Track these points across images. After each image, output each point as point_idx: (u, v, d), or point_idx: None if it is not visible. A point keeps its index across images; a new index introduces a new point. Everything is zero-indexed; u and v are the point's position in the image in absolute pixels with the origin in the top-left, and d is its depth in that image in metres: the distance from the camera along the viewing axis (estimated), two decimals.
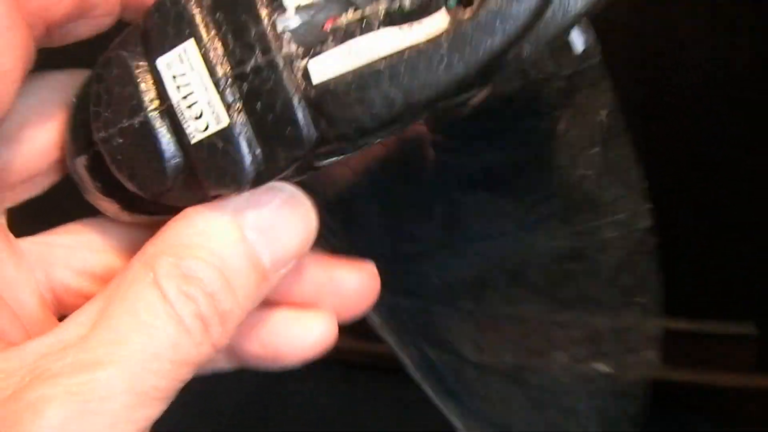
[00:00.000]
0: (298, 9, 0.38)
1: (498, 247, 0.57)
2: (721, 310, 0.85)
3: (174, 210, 0.39)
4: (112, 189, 0.41)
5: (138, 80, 0.37)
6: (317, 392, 0.89)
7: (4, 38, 0.35)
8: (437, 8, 0.37)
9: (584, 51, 0.41)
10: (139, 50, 0.38)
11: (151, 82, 0.37)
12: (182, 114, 0.36)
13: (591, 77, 0.51)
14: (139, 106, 0.37)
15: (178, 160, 0.37)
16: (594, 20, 0.41)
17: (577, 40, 0.40)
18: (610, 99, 0.52)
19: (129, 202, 0.41)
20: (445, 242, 0.57)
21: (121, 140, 0.37)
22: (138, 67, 0.37)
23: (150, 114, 0.37)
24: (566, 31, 0.36)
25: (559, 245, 0.55)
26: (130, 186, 0.38)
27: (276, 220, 0.38)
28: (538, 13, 0.35)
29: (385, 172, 0.52)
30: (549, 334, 0.57)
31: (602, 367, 0.58)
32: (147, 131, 0.37)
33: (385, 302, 0.54)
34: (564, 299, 0.57)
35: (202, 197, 0.38)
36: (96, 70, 0.38)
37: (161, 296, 0.34)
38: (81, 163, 0.41)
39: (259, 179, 0.37)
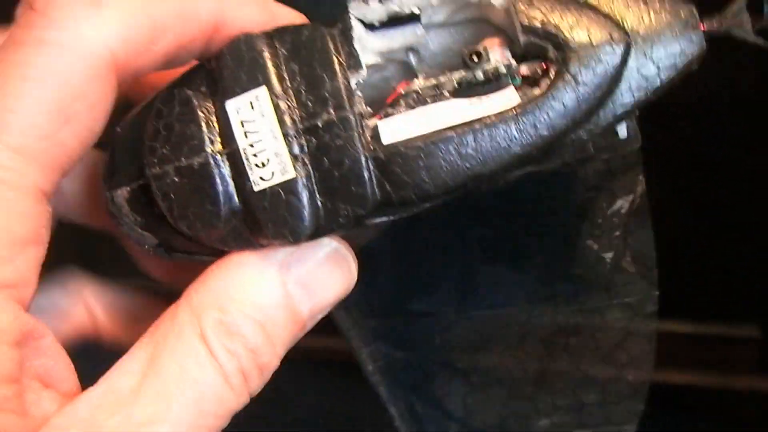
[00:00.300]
0: (372, 68, 0.39)
1: (504, 316, 0.58)
2: (723, 312, 0.84)
3: (215, 252, 0.39)
4: (153, 224, 0.40)
5: (202, 120, 0.37)
6: (313, 391, 0.89)
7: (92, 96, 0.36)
8: (506, 84, 0.38)
9: (627, 137, 0.42)
10: (204, 90, 0.37)
11: (216, 123, 0.37)
12: (247, 160, 0.36)
13: (629, 162, 0.53)
14: (200, 147, 0.36)
15: (234, 205, 0.37)
16: None
17: (622, 126, 0.41)
18: (641, 185, 0.53)
19: (169, 239, 0.41)
20: (455, 305, 0.58)
21: (176, 178, 0.37)
22: (202, 106, 0.37)
23: (212, 155, 0.36)
24: (621, 119, 0.39)
25: (562, 321, 0.57)
26: (179, 225, 0.38)
27: (319, 275, 0.39)
28: (601, 101, 0.37)
29: (410, 229, 0.52)
30: (536, 401, 0.59)
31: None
32: (206, 172, 0.37)
33: (382, 353, 0.57)
34: (557, 371, 0.58)
35: (249, 244, 0.37)
36: (156, 104, 0.38)
37: (208, 352, 0.35)
38: (122, 195, 0.40)
39: (316, 233, 0.37)
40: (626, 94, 0.38)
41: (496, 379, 0.58)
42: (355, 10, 0.38)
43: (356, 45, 0.37)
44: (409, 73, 0.42)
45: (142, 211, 0.40)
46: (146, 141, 0.37)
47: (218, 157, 0.36)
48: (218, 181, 0.36)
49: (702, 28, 0.38)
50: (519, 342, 0.57)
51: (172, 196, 0.37)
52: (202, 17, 0.36)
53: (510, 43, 0.39)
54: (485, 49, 0.38)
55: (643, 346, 0.57)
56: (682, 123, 0.78)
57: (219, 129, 0.36)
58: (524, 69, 0.39)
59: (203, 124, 0.36)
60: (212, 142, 0.36)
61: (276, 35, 0.37)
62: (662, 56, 0.38)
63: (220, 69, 0.36)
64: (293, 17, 0.40)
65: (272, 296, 0.37)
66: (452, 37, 0.42)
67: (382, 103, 0.39)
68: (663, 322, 0.82)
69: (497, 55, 0.39)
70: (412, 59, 0.42)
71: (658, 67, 0.38)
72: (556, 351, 0.58)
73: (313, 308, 0.38)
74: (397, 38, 0.40)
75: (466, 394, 0.59)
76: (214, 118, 0.36)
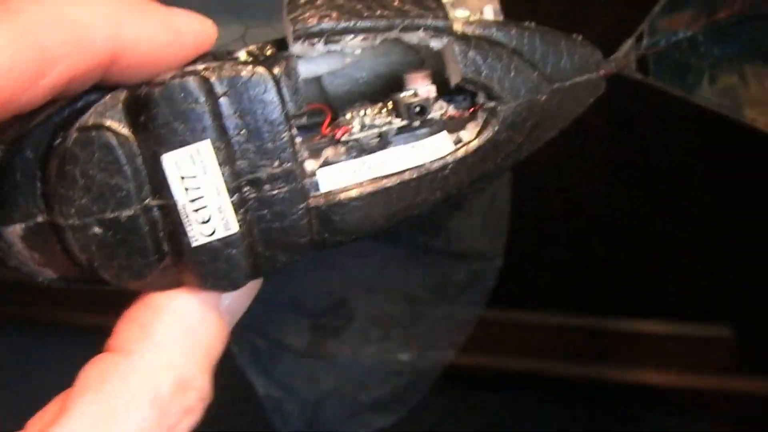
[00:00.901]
0: (312, 115, 0.39)
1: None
2: (696, 313, 0.86)
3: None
4: (54, 261, 0.37)
5: (128, 170, 0.34)
6: None
7: None
8: (439, 128, 0.40)
9: None
10: (125, 131, 0.34)
11: (146, 172, 0.34)
12: (186, 216, 0.34)
13: None
14: (128, 199, 0.34)
15: (165, 255, 0.35)
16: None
17: None
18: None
19: (73, 273, 0.38)
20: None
21: (99, 230, 0.34)
22: (128, 153, 0.34)
23: (142, 208, 0.34)
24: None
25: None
26: (100, 273, 0.35)
27: (243, 295, 0.39)
28: (526, 142, 0.41)
29: None
30: (367, 332, 0.62)
31: (405, 356, 0.63)
32: (135, 226, 0.34)
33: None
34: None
35: (179, 285, 0.36)
36: (68, 147, 0.34)
37: (163, 416, 0.34)
38: (15, 233, 0.36)
39: (252, 279, 0.37)
40: (547, 131, 0.42)
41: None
42: (299, 53, 0.37)
43: (301, 93, 0.36)
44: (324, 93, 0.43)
45: (41, 249, 0.36)
46: (57, 187, 0.34)
47: (149, 209, 0.34)
48: (149, 234, 0.34)
49: (602, 73, 0.42)
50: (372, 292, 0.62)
51: (93, 248, 0.34)
52: (97, 45, 0.32)
53: (437, 76, 0.40)
54: (428, 100, 0.39)
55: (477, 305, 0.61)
56: (662, 130, 0.78)
57: (150, 179, 0.34)
58: (452, 110, 0.40)
59: (131, 175, 0.33)
60: (142, 194, 0.34)
61: (213, 77, 0.34)
62: (573, 97, 0.42)
63: (152, 117, 0.33)
64: (198, 27, 0.36)
65: (216, 337, 0.37)
66: (375, 60, 0.42)
67: (317, 143, 0.39)
68: (638, 322, 0.85)
69: (424, 91, 0.40)
70: (330, 80, 0.43)
71: (571, 104, 0.42)
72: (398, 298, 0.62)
73: (232, 323, 0.39)
74: (323, 65, 0.39)
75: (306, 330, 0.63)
76: (143, 166, 0.34)
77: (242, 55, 0.37)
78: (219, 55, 0.37)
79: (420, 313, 0.60)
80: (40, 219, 0.35)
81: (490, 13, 0.44)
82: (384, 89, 0.43)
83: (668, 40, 0.45)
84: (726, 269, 0.84)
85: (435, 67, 0.40)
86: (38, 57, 0.31)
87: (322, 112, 0.41)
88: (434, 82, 0.40)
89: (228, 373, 0.39)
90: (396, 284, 0.57)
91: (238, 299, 0.38)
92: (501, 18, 0.45)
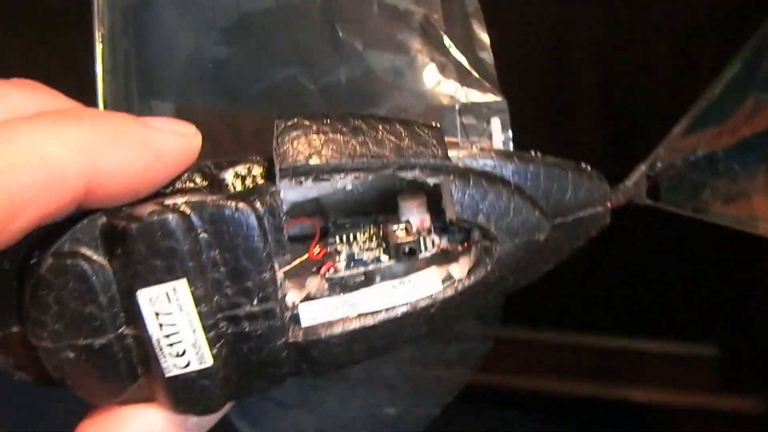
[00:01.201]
0: (296, 249, 0.37)
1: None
2: (683, 332, 0.84)
3: None
4: (28, 365, 0.36)
5: (103, 300, 0.32)
6: None
7: None
8: (426, 264, 0.38)
9: None
10: (100, 260, 0.32)
11: (120, 303, 0.33)
12: (160, 350, 0.33)
13: None
14: (102, 329, 0.33)
15: (138, 379, 0.34)
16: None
17: None
18: None
19: (45, 379, 0.36)
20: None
21: (72, 355, 0.33)
22: (103, 283, 0.32)
23: (116, 337, 0.33)
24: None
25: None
26: (73, 390, 0.35)
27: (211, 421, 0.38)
28: (519, 276, 0.39)
29: None
30: (354, 389, 0.62)
31: (390, 410, 0.63)
32: (109, 354, 0.33)
33: None
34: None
35: (146, 399, 0.35)
36: (42, 274, 0.32)
37: None
38: None
39: (226, 404, 0.36)
40: (544, 265, 0.40)
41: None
42: (285, 191, 0.35)
43: (285, 231, 0.34)
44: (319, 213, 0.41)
45: (16, 356, 0.35)
46: (31, 309, 0.33)
47: (123, 337, 0.33)
48: (122, 360, 0.33)
49: (610, 205, 0.41)
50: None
51: (66, 369, 0.33)
52: (71, 182, 0.30)
53: (429, 203, 0.39)
54: (418, 242, 0.38)
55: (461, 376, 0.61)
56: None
57: (124, 309, 0.33)
58: (445, 242, 0.39)
59: (105, 304, 0.32)
60: (116, 323, 0.33)
61: (194, 214, 0.32)
62: (575, 231, 0.40)
63: (129, 251, 0.32)
64: (179, 144, 0.34)
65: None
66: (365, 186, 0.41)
67: (303, 268, 0.38)
68: (624, 340, 0.84)
69: (417, 221, 0.38)
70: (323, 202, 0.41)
71: (572, 239, 0.40)
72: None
73: None
74: (313, 191, 0.38)
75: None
76: (117, 296, 0.32)
77: (229, 177, 0.35)
78: (205, 173, 0.35)
79: (408, 377, 0.60)
80: (15, 329, 0.34)
81: (497, 125, 0.42)
82: (380, 202, 0.41)
83: (685, 161, 0.43)
84: (712, 289, 0.82)
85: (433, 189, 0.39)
86: (7, 202, 0.29)
87: (310, 222, 0.40)
88: (430, 206, 0.39)
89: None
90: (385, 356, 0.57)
91: (208, 417, 0.37)
92: (508, 132, 0.43)
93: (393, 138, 0.35)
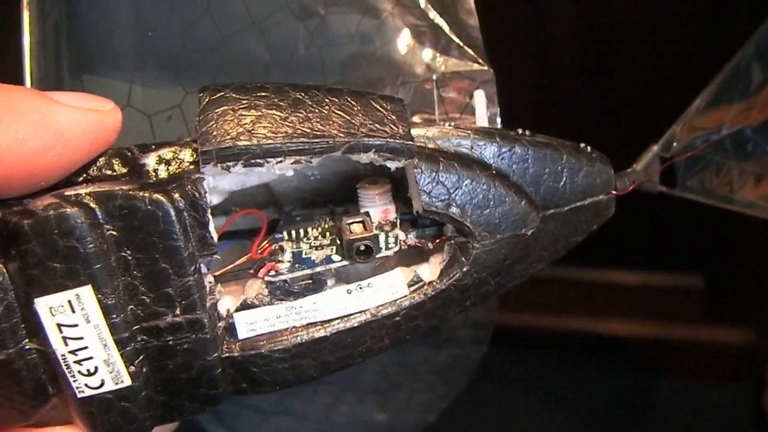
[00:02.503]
0: (230, 238, 0.32)
1: None
2: (668, 263, 0.82)
3: None
4: None
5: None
6: None
7: None
8: (391, 263, 0.32)
9: None
10: None
11: (19, 313, 0.27)
12: (68, 366, 0.28)
13: None
14: (0, 343, 0.27)
15: (50, 398, 0.29)
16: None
17: None
18: None
19: None
20: None
21: None
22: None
23: (16, 353, 0.28)
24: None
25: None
26: None
27: None
28: (500, 276, 0.33)
29: None
30: (339, 395, 0.57)
31: (381, 416, 0.58)
32: (11, 372, 0.28)
33: None
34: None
35: (68, 420, 0.30)
36: None
37: None
38: None
39: (156, 426, 0.31)
40: (534, 263, 0.34)
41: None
42: (212, 176, 0.29)
43: (211, 227, 0.28)
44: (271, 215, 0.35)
45: None
46: None
47: (26, 352, 0.28)
48: (28, 377, 0.28)
49: (614, 193, 0.35)
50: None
51: None
52: None
53: (397, 193, 0.33)
54: (376, 239, 0.31)
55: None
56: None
57: (24, 320, 0.27)
58: (412, 238, 0.33)
59: (1, 315, 0.27)
60: (15, 336, 0.27)
61: (100, 207, 0.27)
62: (572, 223, 0.34)
63: (23, 253, 0.26)
64: (90, 121, 0.28)
65: None
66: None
67: (242, 268, 0.32)
68: (608, 272, 0.83)
69: (378, 213, 0.32)
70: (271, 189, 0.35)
71: (569, 233, 0.34)
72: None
73: None
74: (253, 177, 0.31)
75: None
76: (15, 305, 0.27)
77: (151, 162, 0.29)
78: (126, 157, 0.29)
79: (396, 385, 0.54)
80: None
81: (481, 99, 0.35)
82: (341, 189, 0.35)
83: (707, 141, 0.36)
84: (696, 219, 0.78)
85: (402, 171, 0.33)
86: None
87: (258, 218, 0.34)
88: (398, 192, 0.33)
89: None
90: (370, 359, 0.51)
91: None
92: (495, 109, 0.37)
93: (342, 113, 0.29)
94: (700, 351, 0.82)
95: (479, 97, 0.35)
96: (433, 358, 0.49)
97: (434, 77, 0.38)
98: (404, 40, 0.39)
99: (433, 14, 0.38)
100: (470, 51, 0.38)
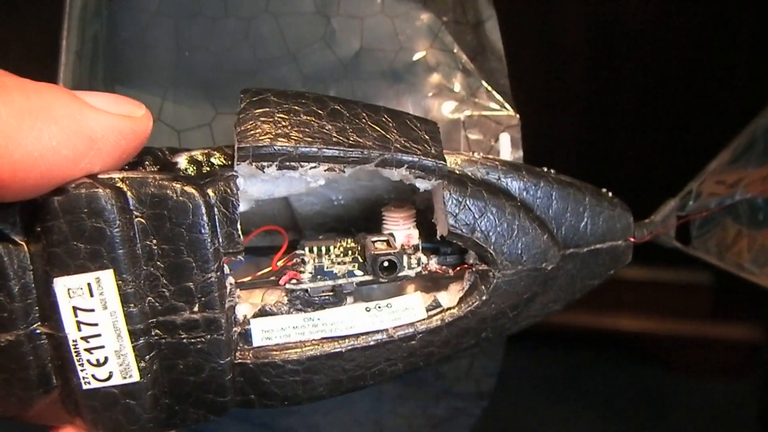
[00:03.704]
0: (247, 254, 0.31)
1: None
2: (676, 259, 0.82)
3: None
4: None
5: (14, 289, 0.27)
6: None
7: None
8: (410, 287, 0.33)
9: None
10: (16, 239, 0.27)
11: (35, 293, 0.27)
12: (77, 354, 0.27)
13: None
14: (11, 322, 0.27)
15: (52, 391, 0.28)
16: None
17: None
18: None
19: None
20: None
21: None
22: (17, 266, 0.27)
23: (26, 335, 0.27)
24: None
25: None
26: None
27: None
28: (517, 312, 0.33)
29: None
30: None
31: None
32: (17, 354, 0.27)
33: None
34: None
35: (68, 419, 0.29)
36: None
37: None
38: None
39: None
40: (550, 302, 0.34)
41: None
42: (243, 178, 0.29)
43: (239, 225, 0.28)
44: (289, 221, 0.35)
45: None
46: None
47: (35, 336, 0.27)
48: (32, 363, 0.27)
49: (632, 240, 0.35)
50: None
51: None
52: None
53: (420, 222, 0.33)
54: (400, 257, 0.31)
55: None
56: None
57: (40, 301, 0.27)
58: (434, 264, 0.33)
59: (17, 293, 0.27)
60: (28, 318, 0.27)
61: (131, 192, 0.27)
62: (590, 266, 0.34)
63: (47, 230, 0.26)
64: (122, 127, 0.27)
65: None
66: (355, 181, 0.35)
67: (260, 279, 0.31)
68: None
69: (402, 237, 0.32)
70: (299, 197, 0.35)
71: (586, 274, 0.34)
72: None
73: None
74: (281, 187, 0.31)
75: None
76: (33, 285, 0.27)
77: (183, 161, 0.30)
78: (157, 156, 0.29)
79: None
80: None
81: (506, 142, 0.36)
82: (362, 218, 0.35)
83: (721, 204, 0.37)
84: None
85: (426, 202, 0.33)
86: None
87: (280, 235, 0.34)
88: (420, 222, 0.33)
89: None
90: (364, 408, 0.49)
91: None
92: (519, 153, 0.37)
93: (378, 128, 0.30)
94: (708, 347, 0.83)
95: (504, 140, 0.36)
96: (431, 410, 0.48)
97: (461, 118, 0.39)
98: (434, 81, 0.40)
99: (464, 59, 0.39)
100: (498, 96, 0.39)
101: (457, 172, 0.31)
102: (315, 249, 0.32)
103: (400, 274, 0.31)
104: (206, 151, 0.30)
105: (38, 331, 0.27)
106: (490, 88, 0.39)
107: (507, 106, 0.38)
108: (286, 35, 0.38)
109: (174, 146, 0.31)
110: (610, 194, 0.34)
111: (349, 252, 0.32)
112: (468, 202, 0.31)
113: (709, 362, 0.83)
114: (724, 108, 0.69)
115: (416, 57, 0.40)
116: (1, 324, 0.27)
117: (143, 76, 0.38)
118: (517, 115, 0.38)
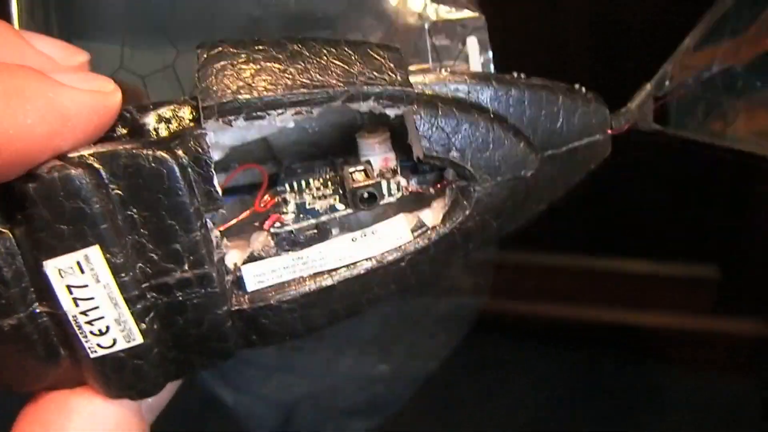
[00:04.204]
0: (230, 194, 0.32)
1: None
2: (682, 253, 0.82)
3: None
4: None
5: (7, 275, 0.27)
6: None
7: None
8: (393, 209, 0.33)
9: None
10: (1, 225, 0.27)
11: (29, 279, 0.27)
12: (79, 328, 0.28)
13: None
14: (10, 308, 0.27)
15: (62, 360, 0.29)
16: None
17: None
18: None
19: None
20: None
21: None
22: (6, 254, 0.27)
23: (27, 317, 0.28)
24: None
25: None
26: None
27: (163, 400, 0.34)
28: (501, 218, 0.34)
29: None
30: (340, 348, 0.58)
31: (383, 367, 0.59)
32: (21, 335, 0.28)
33: None
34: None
35: (83, 381, 0.31)
36: None
37: None
38: None
39: (166, 384, 0.31)
40: (535, 205, 0.35)
41: None
42: (213, 132, 0.29)
43: (215, 182, 0.29)
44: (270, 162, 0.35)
45: None
46: None
47: (37, 316, 0.28)
48: (39, 341, 0.28)
49: (610, 132, 0.35)
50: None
51: None
52: None
53: (396, 140, 0.33)
54: (379, 186, 0.32)
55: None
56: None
57: (33, 282, 0.27)
58: (414, 184, 0.33)
59: (10, 279, 0.27)
60: (26, 301, 0.27)
61: (104, 167, 0.27)
62: (570, 163, 0.34)
63: (29, 217, 0.26)
64: (93, 102, 0.27)
65: None
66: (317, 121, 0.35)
67: (246, 223, 0.32)
68: (620, 262, 0.82)
69: (379, 161, 0.33)
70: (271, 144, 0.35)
71: (568, 173, 0.35)
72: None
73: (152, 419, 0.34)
74: (253, 131, 0.32)
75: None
76: (24, 270, 0.27)
77: (151, 121, 0.29)
78: (125, 118, 0.29)
79: (397, 336, 0.55)
80: None
81: (474, 45, 0.36)
82: (339, 141, 0.35)
83: (698, 78, 0.36)
84: (710, 210, 0.79)
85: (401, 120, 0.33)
86: None
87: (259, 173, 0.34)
88: (397, 144, 0.33)
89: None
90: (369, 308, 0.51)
91: (158, 396, 0.32)
92: (488, 54, 0.37)
93: (340, 63, 0.29)
94: (713, 342, 0.83)
95: (472, 44, 0.35)
96: (434, 307, 0.49)
97: (426, 25, 0.38)
98: None
99: None
100: None
101: (427, 93, 0.31)
102: (295, 185, 0.33)
103: (382, 203, 0.32)
104: (172, 107, 0.30)
105: (38, 310, 0.28)
106: None
107: (471, 7, 0.38)
108: None
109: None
110: (583, 90, 0.34)
111: (329, 183, 0.33)
112: (440, 122, 0.30)
113: (715, 357, 0.83)
114: None
115: None
116: (1, 310, 0.27)
117: (99, 26, 0.38)
118: (483, 17, 0.37)
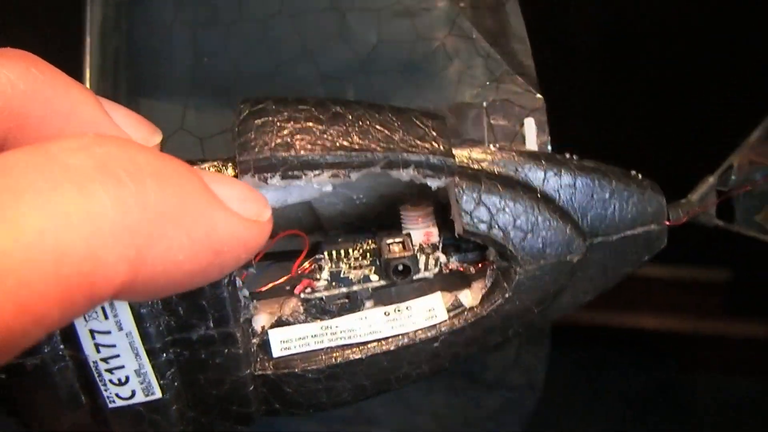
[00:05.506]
0: (269, 261, 0.32)
1: None
2: (694, 256, 0.78)
3: None
4: None
5: None
6: None
7: None
8: (430, 288, 0.31)
9: None
10: None
11: None
12: (99, 374, 0.28)
13: None
14: (34, 348, 0.27)
15: (80, 409, 0.29)
16: None
17: None
18: None
19: None
20: None
21: (4, 376, 0.28)
22: None
23: (50, 357, 0.27)
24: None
25: None
26: (15, 416, 0.30)
27: None
28: (544, 306, 0.32)
29: None
30: None
31: None
32: (44, 375, 0.28)
33: None
34: None
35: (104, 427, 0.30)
36: None
37: None
38: None
39: None
40: (580, 294, 0.33)
41: None
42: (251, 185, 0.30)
43: None
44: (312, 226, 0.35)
45: None
46: None
47: (60, 357, 0.28)
48: (61, 384, 0.28)
49: (667, 224, 0.33)
50: None
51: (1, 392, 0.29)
52: (100, 289, 0.18)
53: (441, 217, 0.32)
54: (415, 259, 0.31)
55: None
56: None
57: (60, 329, 0.27)
58: (454, 262, 0.32)
59: None
60: (51, 341, 0.27)
61: None
62: (621, 253, 0.33)
63: None
64: (249, 239, 0.22)
65: None
66: (375, 179, 0.34)
67: (280, 288, 0.31)
68: None
69: (420, 236, 0.32)
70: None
71: (618, 263, 0.33)
72: None
73: None
74: (294, 194, 0.31)
75: None
76: None
77: None
78: None
79: (447, 428, 0.52)
80: None
81: (531, 127, 0.35)
82: (385, 214, 0.35)
83: (767, 174, 0.35)
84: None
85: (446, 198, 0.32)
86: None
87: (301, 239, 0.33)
88: (442, 218, 0.32)
89: None
90: (420, 399, 0.49)
91: None
92: (546, 137, 0.36)
93: (382, 128, 0.29)
94: (727, 345, 0.81)
95: (529, 125, 0.35)
96: (484, 402, 0.47)
97: (484, 104, 0.38)
98: (455, 69, 0.39)
99: (484, 43, 0.38)
100: (520, 78, 0.38)
101: (473, 167, 0.30)
102: (334, 253, 0.32)
103: (416, 277, 0.31)
104: (216, 163, 0.30)
105: (62, 352, 0.28)
106: (512, 71, 0.37)
107: (530, 88, 0.37)
108: (302, 34, 0.38)
109: (198, 154, 0.31)
110: (639, 176, 0.33)
111: (368, 254, 0.32)
112: (483, 198, 0.29)
113: (729, 360, 0.80)
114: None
115: (434, 45, 0.39)
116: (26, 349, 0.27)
117: (164, 87, 0.39)
118: (542, 98, 0.37)
